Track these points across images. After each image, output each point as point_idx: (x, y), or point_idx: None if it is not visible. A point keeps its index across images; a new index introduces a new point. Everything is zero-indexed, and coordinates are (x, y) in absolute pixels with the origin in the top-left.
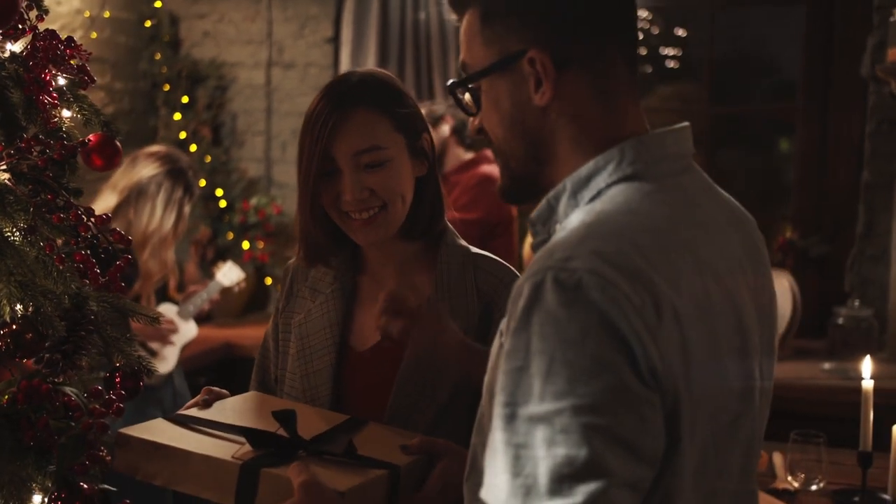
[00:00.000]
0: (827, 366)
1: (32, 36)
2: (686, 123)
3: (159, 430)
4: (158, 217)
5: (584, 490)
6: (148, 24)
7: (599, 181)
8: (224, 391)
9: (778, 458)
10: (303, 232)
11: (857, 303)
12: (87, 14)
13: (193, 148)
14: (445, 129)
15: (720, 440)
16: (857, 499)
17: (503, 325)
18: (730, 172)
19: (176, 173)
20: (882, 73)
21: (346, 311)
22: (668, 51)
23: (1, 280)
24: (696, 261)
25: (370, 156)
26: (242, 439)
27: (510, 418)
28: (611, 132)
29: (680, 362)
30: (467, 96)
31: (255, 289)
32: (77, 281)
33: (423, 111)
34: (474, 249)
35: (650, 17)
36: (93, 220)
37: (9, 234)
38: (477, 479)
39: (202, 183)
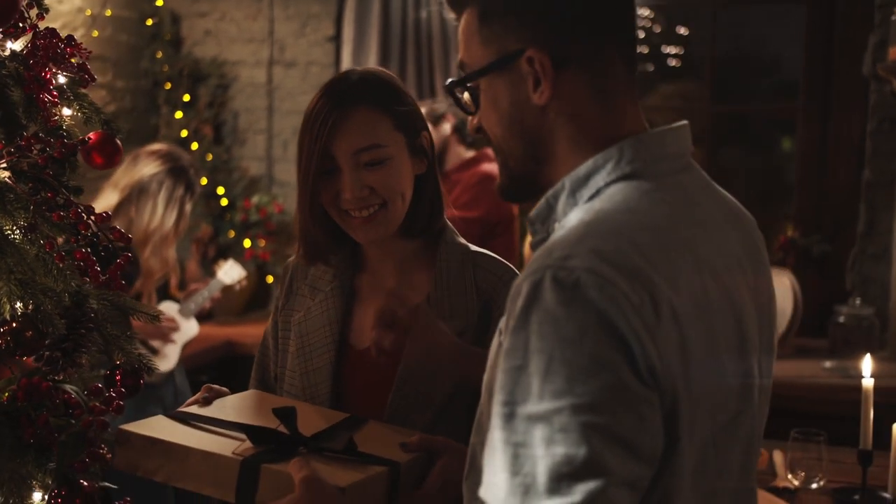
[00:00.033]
0: (828, 364)
1: (33, 34)
2: (685, 122)
3: (160, 427)
4: (160, 215)
5: (582, 489)
6: (149, 22)
7: (598, 180)
8: (224, 389)
9: (778, 457)
10: (302, 230)
11: (858, 301)
12: (88, 12)
13: (195, 146)
14: (447, 127)
15: (719, 439)
16: (857, 497)
17: (502, 323)
18: (731, 171)
19: (177, 171)
20: (883, 72)
21: (346, 309)
22: (670, 49)
23: (1, 278)
24: (695, 259)
25: (370, 154)
26: (243, 436)
27: (509, 417)
28: (609, 131)
29: (679, 361)
30: (466, 95)
31: (256, 287)
32: (77, 279)
33: (425, 110)
34: (473, 247)
35: (652, 16)
36: (93, 218)
37: (9, 232)
38: (476, 477)
39: (203, 181)
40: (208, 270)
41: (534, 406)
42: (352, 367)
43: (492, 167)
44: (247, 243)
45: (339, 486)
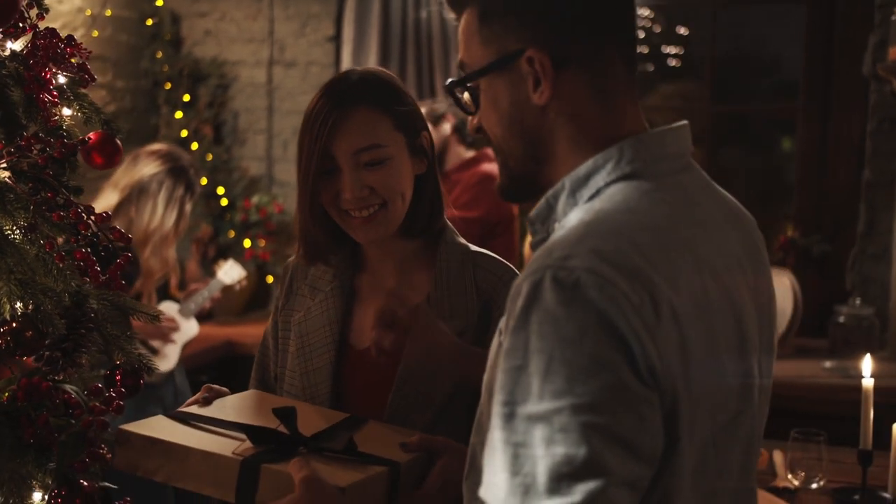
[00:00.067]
0: (828, 364)
1: (33, 34)
2: (685, 122)
3: (160, 427)
4: (160, 215)
5: (582, 489)
6: (149, 22)
7: (598, 180)
8: (224, 389)
9: (778, 457)
10: (302, 230)
11: (858, 301)
12: (88, 12)
13: (195, 146)
14: (447, 127)
15: (719, 439)
16: (857, 497)
17: (502, 323)
18: (731, 171)
19: (177, 171)
20: (883, 72)
21: (346, 309)
22: (670, 49)
23: (1, 278)
24: (695, 259)
25: (370, 154)
26: (243, 436)
27: (509, 417)
28: (609, 131)
29: (679, 361)
30: (466, 95)
31: (256, 287)
32: (77, 279)
33: (425, 110)
34: (473, 247)
35: (652, 16)
36: (93, 218)
37: (9, 232)
38: (476, 477)
39: (203, 181)
40: (208, 270)
41: (534, 406)
42: (352, 367)
43: (492, 167)
44: (247, 243)
45: (339, 486)
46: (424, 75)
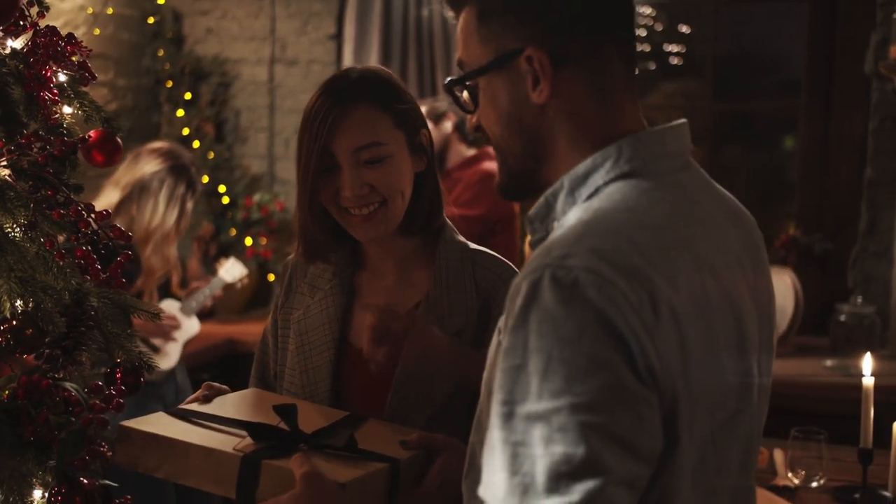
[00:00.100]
0: (829, 363)
1: (33, 32)
2: (684, 120)
3: (160, 424)
4: (161, 213)
5: (581, 488)
6: (151, 20)
7: (597, 178)
8: (224, 387)
9: (779, 455)
10: (302, 228)
11: (859, 300)
12: (90, 10)
13: (196, 144)
14: (448, 125)
15: (719, 437)
16: (857, 496)
17: (501, 322)
18: (733, 169)
19: (178, 170)
20: (885, 70)
21: (346, 307)
22: (672, 47)
23: (1, 276)
24: (694, 258)
25: (370, 152)
26: (243, 433)
27: (508, 416)
28: (608, 130)
29: (678, 360)
30: (465, 94)
31: (257, 285)
32: (77, 277)
33: (426, 108)
34: (473, 245)
35: (654, 14)
36: (93, 216)
37: (9, 230)
38: (475, 476)
39: (205, 179)
40: (210, 268)
41: (533, 405)
42: (351, 365)
43: (493, 165)
44: (248, 241)
45: (340, 482)
46: (426, 73)
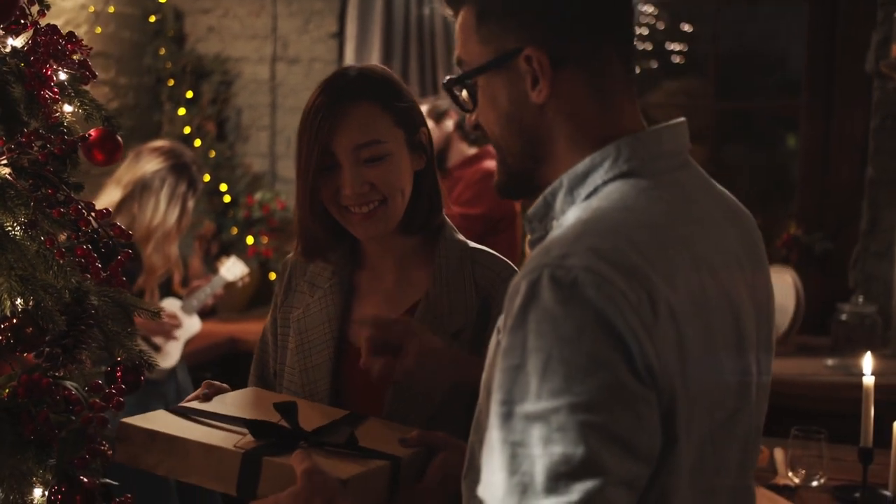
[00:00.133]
0: (830, 362)
1: (34, 31)
2: (682, 119)
3: (161, 421)
4: (162, 212)
5: (580, 488)
6: (152, 19)
7: (596, 178)
8: (224, 385)
9: (779, 454)
10: (301, 227)
11: (860, 299)
12: (91, 9)
13: (198, 143)
14: (449, 124)
15: (717, 436)
16: (857, 495)
17: (500, 322)
18: (735, 168)
19: (179, 168)
20: (886, 69)
21: (345, 305)
22: (674, 46)
23: (2, 274)
24: (692, 257)
25: (370, 150)
26: (244, 430)
27: (507, 416)
28: (607, 130)
29: (676, 359)
30: (464, 93)
31: (258, 284)
32: (78, 275)
33: (428, 106)
34: (472, 244)
35: (656, 13)
36: (93, 214)
37: (9, 228)
38: (474, 476)
39: (206, 178)
40: (211, 267)
41: (532, 405)
42: (351, 363)
43: (494, 164)
44: (249, 240)
45: (341, 478)
46: (427, 72)
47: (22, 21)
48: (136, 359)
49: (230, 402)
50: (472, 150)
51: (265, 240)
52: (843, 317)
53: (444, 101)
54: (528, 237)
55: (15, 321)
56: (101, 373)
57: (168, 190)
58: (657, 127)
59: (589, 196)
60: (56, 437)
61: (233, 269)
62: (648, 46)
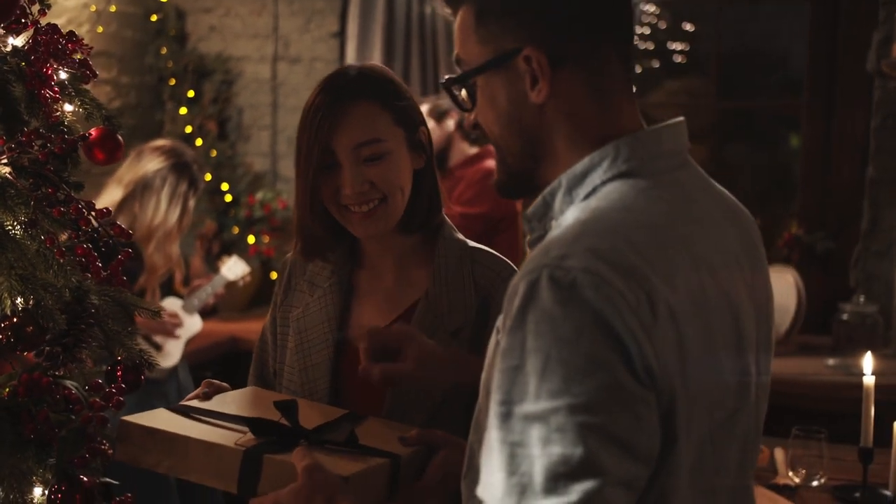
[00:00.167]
0: (831, 362)
1: (34, 30)
2: (681, 118)
3: (161, 419)
4: (163, 211)
5: (579, 489)
6: (154, 18)
7: (595, 178)
8: (224, 384)
9: (779, 454)
10: (300, 226)
11: (861, 299)
12: (93, 8)
13: (199, 142)
14: (450, 123)
15: (717, 436)
16: (857, 495)
17: (499, 322)
18: (736, 167)
19: (181, 167)
20: (887, 69)
21: (345, 305)
22: (676, 45)
23: (2, 273)
24: (692, 256)
25: (370, 148)
26: (244, 428)
27: (506, 417)
28: (606, 129)
29: (675, 360)
30: (463, 92)
31: (260, 283)
32: (78, 274)
33: (429, 106)
34: (471, 243)
35: (658, 12)
36: (94, 213)
37: (10, 227)
38: (474, 476)
39: (208, 177)
40: (212, 266)
41: (530, 406)
42: (350, 363)
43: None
44: (251, 239)
45: (342, 475)
46: (429, 71)
47: (23, 20)
48: (136, 358)
49: (230, 401)
50: (474, 150)
51: (266, 239)
52: (845, 316)
53: (446, 101)
54: (528, 237)
55: (15, 320)
56: (101, 372)
57: (169, 189)
58: (656, 126)
59: (588, 196)
60: (56, 437)
61: (234, 268)
62: (650, 46)
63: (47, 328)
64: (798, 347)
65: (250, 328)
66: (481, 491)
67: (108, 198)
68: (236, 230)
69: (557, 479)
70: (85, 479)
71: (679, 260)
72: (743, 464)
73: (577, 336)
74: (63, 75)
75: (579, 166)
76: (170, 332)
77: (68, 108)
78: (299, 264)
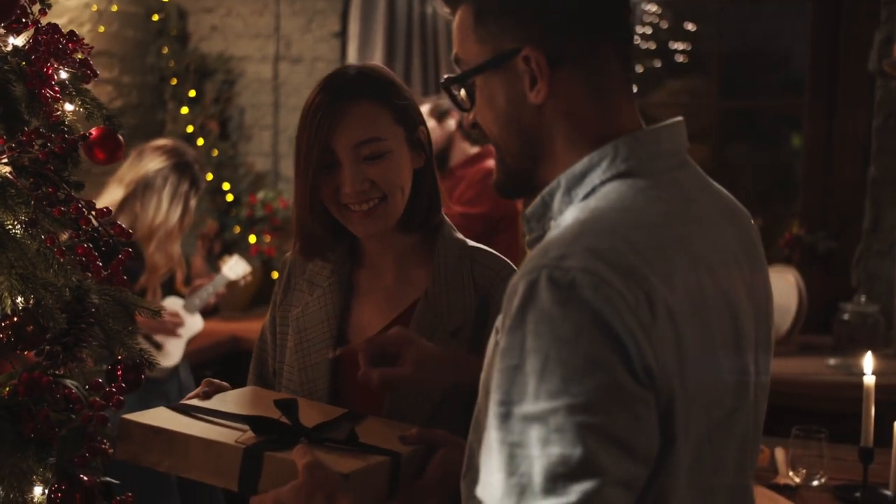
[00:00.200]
0: (832, 361)
1: (35, 30)
2: (680, 118)
3: (162, 418)
4: (164, 210)
5: (578, 489)
6: (156, 18)
7: (594, 178)
8: (225, 384)
9: (780, 454)
10: (300, 226)
11: (863, 298)
12: (94, 8)
13: (201, 142)
14: (451, 123)
15: (715, 436)
16: (858, 494)
17: (499, 322)
18: (738, 167)
19: (182, 167)
20: (889, 68)
21: (344, 304)
22: (678, 45)
23: (2, 272)
24: (690, 256)
25: (370, 147)
26: (244, 426)
27: (505, 417)
28: (605, 129)
29: (674, 360)
30: (462, 91)
31: (261, 282)
32: (78, 273)
33: (430, 105)
34: (471, 243)
35: (659, 12)
36: (94, 213)
37: (10, 226)
38: (473, 476)
39: (209, 177)
40: (213, 266)
41: (530, 406)
42: (350, 363)
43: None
44: (252, 239)
45: (343, 472)
46: (430, 71)
47: (23, 20)
48: (136, 357)
49: (230, 400)
50: (475, 150)
51: (268, 239)
52: (846, 316)
53: (447, 101)
54: (527, 237)
55: (16, 319)
56: (101, 371)
57: (170, 189)
58: (655, 126)
59: (587, 196)
60: (56, 436)
61: (235, 267)
62: (652, 45)
63: (48, 327)
64: (799, 347)
65: (251, 328)
66: (481, 491)
67: (110, 197)
68: (238, 230)
69: (556, 479)
70: (85, 478)
71: (678, 260)
72: (741, 463)
73: (576, 336)
74: (64, 75)
75: (578, 166)
76: (171, 332)
77: (69, 107)
78: (299, 264)
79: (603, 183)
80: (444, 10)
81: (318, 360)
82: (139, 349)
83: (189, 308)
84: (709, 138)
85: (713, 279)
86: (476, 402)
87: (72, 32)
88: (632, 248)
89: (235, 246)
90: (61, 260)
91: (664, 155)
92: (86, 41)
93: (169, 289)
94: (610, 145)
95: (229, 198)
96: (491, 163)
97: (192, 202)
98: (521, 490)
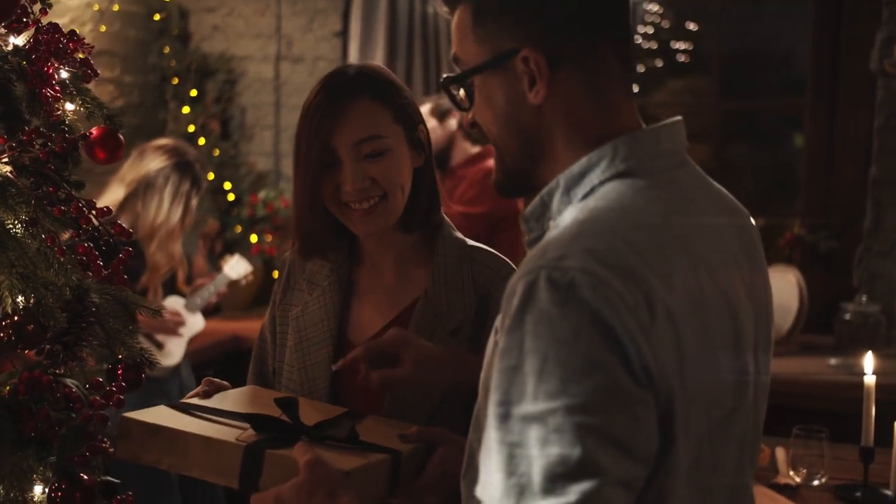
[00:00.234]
0: (833, 361)
1: (35, 29)
2: (679, 118)
3: (162, 416)
4: (166, 210)
5: (577, 489)
6: (157, 17)
7: (593, 178)
8: (225, 383)
9: (780, 453)
10: (300, 225)
11: (864, 298)
12: (96, 7)
13: (202, 141)
14: (452, 123)
15: (714, 436)
16: (858, 494)
17: (498, 322)
18: (739, 167)
19: (183, 166)
20: (890, 68)
21: (344, 303)
22: (679, 45)
23: (3, 272)
24: (689, 256)
25: (371, 145)
26: (245, 425)
27: (504, 417)
28: (604, 129)
29: (673, 360)
30: (461, 91)
31: (262, 282)
32: (78, 273)
33: (431, 105)
34: (471, 242)
35: (661, 11)
36: (94, 212)
37: (10, 226)
38: (473, 476)
39: (210, 176)
40: (215, 265)
41: (529, 406)
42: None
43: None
44: (253, 238)
45: (344, 469)
46: (431, 70)
47: (24, 19)
48: (137, 356)
49: (231, 399)
50: (476, 149)
51: (269, 238)
52: (847, 316)
53: (448, 100)
54: (526, 237)
55: (16, 318)
56: (102, 370)
57: (172, 188)
58: (654, 126)
59: (586, 196)
60: (56, 435)
61: (236, 267)
62: (653, 45)
63: (48, 326)
64: (800, 347)
65: (253, 327)
66: (480, 491)
67: (111, 196)
68: (239, 229)
69: (556, 479)
70: (85, 477)
71: (677, 259)
72: (741, 463)
73: (575, 337)
74: (64, 74)
75: (577, 166)
76: (172, 331)
77: (69, 106)
78: (298, 263)
79: (602, 183)
80: (443, 10)
81: (317, 359)
82: (140, 348)
83: (190, 307)
84: (710, 138)
85: (713, 279)
86: (476, 401)
87: (72, 32)
88: (631, 249)
89: (237, 245)
90: (62, 259)
91: (663, 154)
92: (87, 41)
93: (170, 288)
94: (609, 145)
95: (231, 197)
96: (491, 162)
97: (194, 202)
98: (521, 490)
